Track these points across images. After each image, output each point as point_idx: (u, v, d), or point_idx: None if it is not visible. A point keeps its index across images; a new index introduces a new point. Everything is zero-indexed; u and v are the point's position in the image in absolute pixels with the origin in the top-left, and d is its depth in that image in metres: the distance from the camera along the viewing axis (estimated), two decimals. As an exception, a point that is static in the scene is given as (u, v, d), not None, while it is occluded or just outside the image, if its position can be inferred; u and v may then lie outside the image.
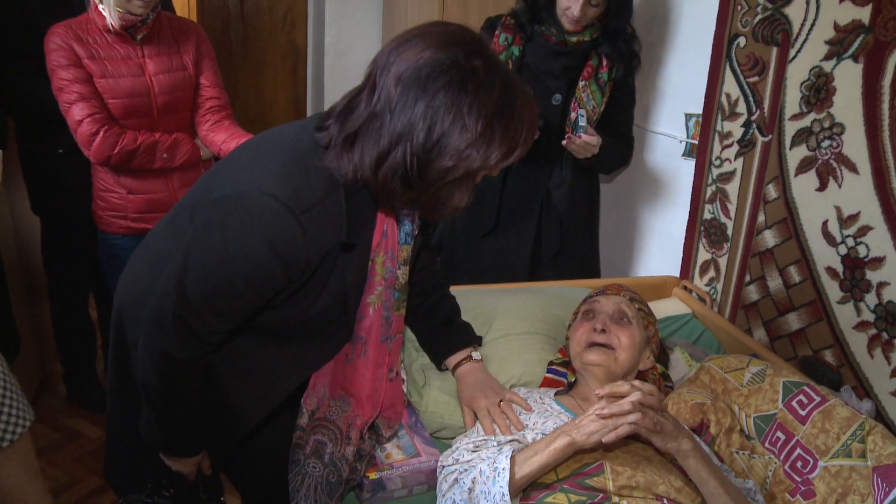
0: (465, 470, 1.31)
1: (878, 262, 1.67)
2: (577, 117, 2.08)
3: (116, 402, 1.45)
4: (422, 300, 1.60)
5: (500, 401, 1.50)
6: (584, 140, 2.04)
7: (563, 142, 2.06)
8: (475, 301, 1.85)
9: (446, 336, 1.63)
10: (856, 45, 1.68)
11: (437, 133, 1.08)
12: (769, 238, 1.97)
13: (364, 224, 1.24)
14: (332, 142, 1.15)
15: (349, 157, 1.13)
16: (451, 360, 1.61)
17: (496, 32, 2.16)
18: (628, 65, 2.18)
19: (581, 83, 2.15)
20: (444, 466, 1.39)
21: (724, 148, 2.12)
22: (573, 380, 1.61)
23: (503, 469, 1.22)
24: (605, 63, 2.14)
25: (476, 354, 1.63)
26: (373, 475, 1.42)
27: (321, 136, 1.18)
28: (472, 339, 1.64)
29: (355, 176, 1.14)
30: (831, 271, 1.79)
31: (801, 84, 1.83)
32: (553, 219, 2.30)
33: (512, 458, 1.25)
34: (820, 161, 1.80)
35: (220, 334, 1.23)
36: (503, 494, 1.19)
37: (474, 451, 1.37)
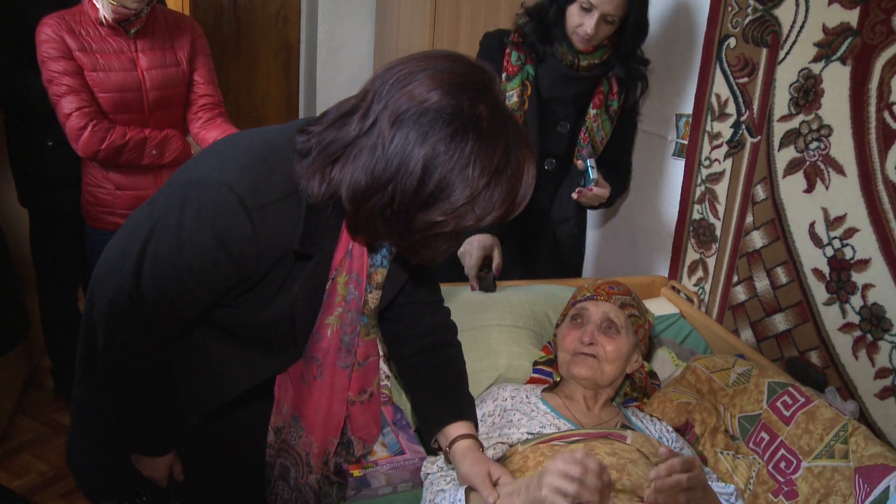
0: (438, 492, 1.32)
1: (864, 264, 1.67)
2: (587, 167, 1.99)
3: (80, 382, 1.38)
4: (424, 359, 1.42)
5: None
6: (595, 193, 1.98)
7: (574, 195, 2.00)
8: (464, 296, 1.86)
9: (449, 399, 1.39)
10: (844, 47, 1.68)
11: (431, 186, 1.00)
12: (757, 239, 1.98)
13: (324, 237, 1.17)
14: (311, 152, 1.08)
15: (322, 176, 1.06)
16: (453, 430, 1.33)
17: (507, 51, 2.02)
18: (637, 89, 2.11)
19: (592, 111, 2.07)
20: (427, 474, 1.40)
21: (713, 148, 2.13)
22: (558, 379, 1.62)
23: (459, 500, 1.24)
24: (615, 90, 2.07)
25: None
26: (357, 472, 1.41)
27: (301, 139, 1.10)
28: (475, 414, 1.40)
29: (325, 199, 1.07)
30: (818, 273, 1.79)
31: (790, 86, 1.84)
32: (546, 243, 2.24)
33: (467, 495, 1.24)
34: (808, 163, 1.80)
35: (173, 329, 1.19)
36: None
37: None
